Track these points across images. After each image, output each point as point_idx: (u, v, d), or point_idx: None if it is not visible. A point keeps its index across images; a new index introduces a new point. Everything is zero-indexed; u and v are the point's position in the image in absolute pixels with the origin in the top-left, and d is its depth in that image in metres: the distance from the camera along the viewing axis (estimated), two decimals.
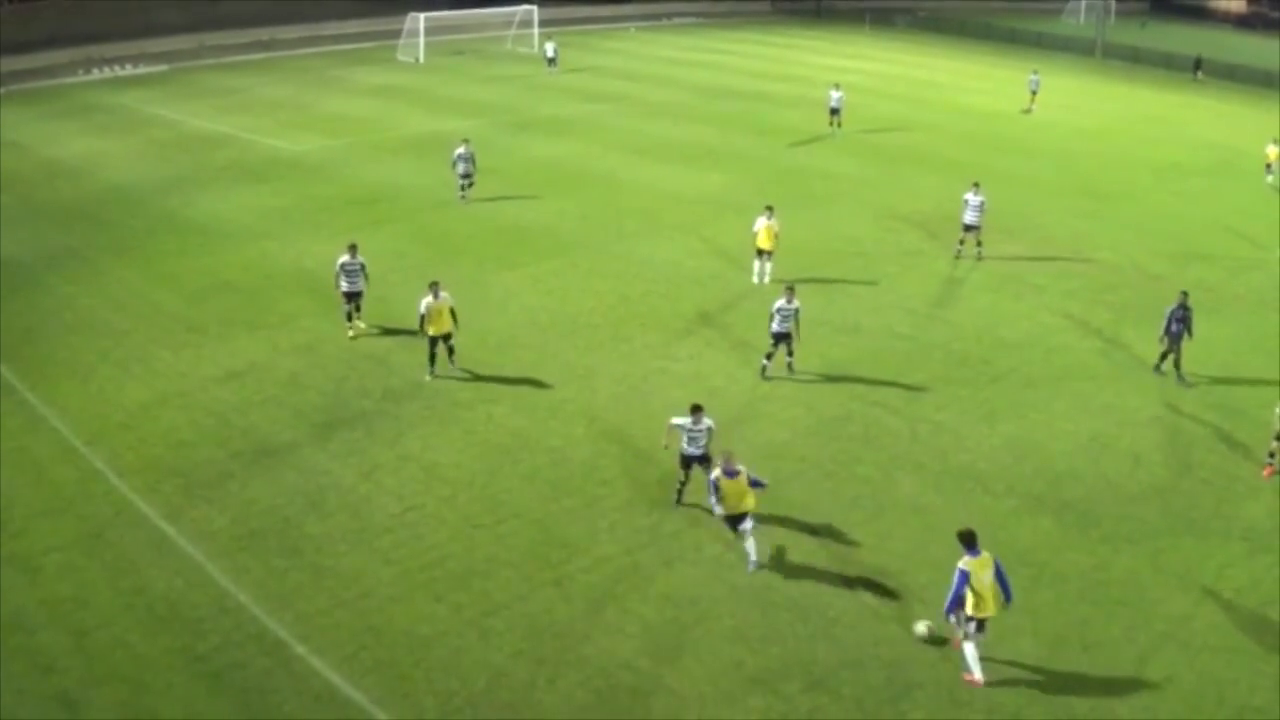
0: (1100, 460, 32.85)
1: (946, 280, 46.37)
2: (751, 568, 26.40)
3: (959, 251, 48.87)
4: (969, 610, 23.00)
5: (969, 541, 23.00)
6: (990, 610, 23.00)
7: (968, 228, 48.44)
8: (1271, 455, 32.77)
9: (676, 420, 28.34)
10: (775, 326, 35.99)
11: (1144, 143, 77.21)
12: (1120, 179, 65.68)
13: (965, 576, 22.79)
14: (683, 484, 29.06)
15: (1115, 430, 34.64)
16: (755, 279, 44.76)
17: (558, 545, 27.08)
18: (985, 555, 22.99)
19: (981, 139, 74.24)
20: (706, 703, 22.52)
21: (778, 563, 26.83)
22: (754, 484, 26.48)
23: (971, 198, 48.11)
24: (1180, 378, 37.86)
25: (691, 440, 28.30)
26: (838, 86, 74.19)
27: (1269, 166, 69.29)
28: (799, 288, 37.39)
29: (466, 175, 54.51)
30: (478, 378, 35.82)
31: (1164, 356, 38.32)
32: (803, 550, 27.28)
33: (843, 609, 25.37)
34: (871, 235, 51.57)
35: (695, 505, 28.67)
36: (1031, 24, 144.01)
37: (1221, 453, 33.56)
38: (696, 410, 28.20)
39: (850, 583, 26.35)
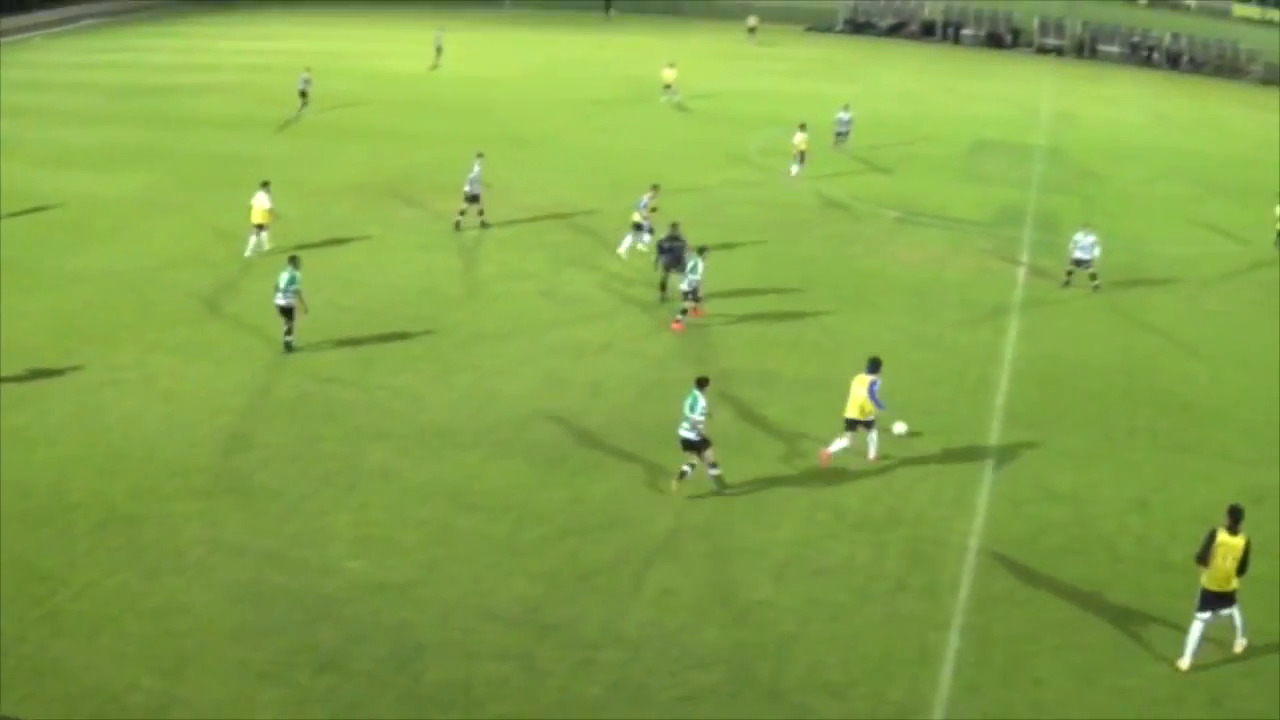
0: (560, 395, 33.66)
1: (380, 246, 46.17)
2: None
3: (459, 223, 48.67)
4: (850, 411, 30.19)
5: (871, 364, 30.24)
6: (850, 412, 30.02)
7: (470, 198, 48.19)
8: (683, 313, 38.81)
9: None
10: (280, 300, 36.05)
11: (561, 85, 79.64)
12: (541, 124, 67.43)
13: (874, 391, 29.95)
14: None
15: (570, 365, 35.58)
16: (249, 252, 44.50)
17: (39, 580, 25.09)
18: (863, 378, 29.90)
19: (399, 103, 74.42)
20: (222, 707, 21.42)
21: (260, 553, 26.11)
22: None
23: (474, 171, 48.24)
24: (665, 298, 40.96)
25: None
26: (308, 70, 73.11)
27: (667, 87, 73.44)
28: (230, 272, 36.41)
29: None
30: None
31: (662, 286, 41.30)
32: (280, 537, 26.59)
33: (336, 587, 24.85)
34: (300, 212, 50.47)
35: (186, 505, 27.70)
36: None
37: (690, 368, 35.02)
38: None
39: (336, 559, 25.87)
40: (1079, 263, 44.91)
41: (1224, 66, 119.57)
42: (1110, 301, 43.62)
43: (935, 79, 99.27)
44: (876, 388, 29.75)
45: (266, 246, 44.77)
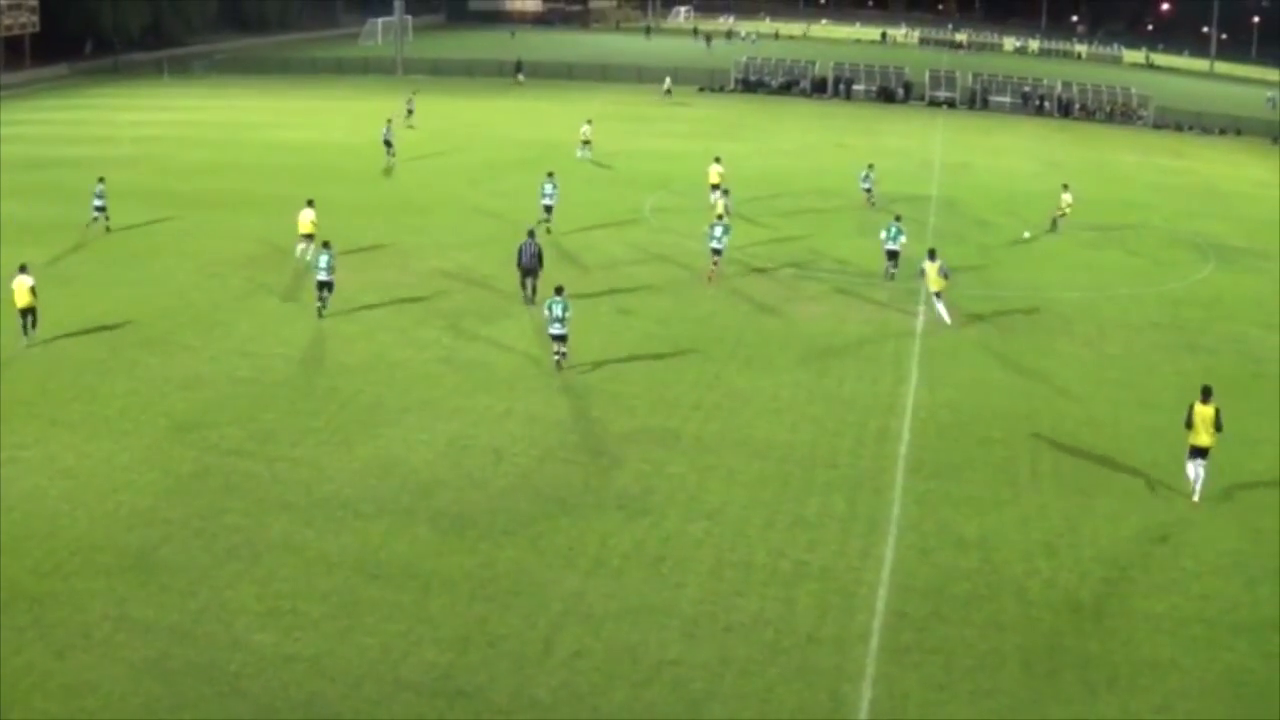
0: (462, 462, 33.37)
1: (278, 318, 45.71)
2: None
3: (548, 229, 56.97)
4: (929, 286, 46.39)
5: (930, 254, 46.57)
6: (933, 286, 45.88)
7: (546, 209, 57.67)
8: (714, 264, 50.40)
9: None
10: (322, 276, 44.10)
11: (457, 150, 79.81)
12: (436, 190, 67.30)
13: (922, 270, 46.70)
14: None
15: (472, 430, 35.32)
16: (299, 257, 52.31)
17: None
18: (937, 263, 45.83)
19: (298, 171, 73.97)
20: None
21: (167, 629, 25.65)
22: None
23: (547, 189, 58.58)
24: (530, 300, 46.49)
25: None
26: (389, 121, 77.28)
27: (585, 144, 75.66)
28: (130, 345, 35.82)
29: None
30: None
31: (523, 286, 46.93)
32: (186, 612, 26.10)
33: (244, 662, 24.44)
34: (198, 285, 49.97)
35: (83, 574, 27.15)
36: (330, 52, 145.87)
37: (549, 430, 35.38)
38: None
39: (243, 633, 25.47)
40: (891, 255, 51.91)
41: (1115, 113, 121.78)
42: (1010, 347, 44.08)
43: (828, 134, 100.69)
44: (944, 266, 45.91)
45: (308, 257, 50.25)
